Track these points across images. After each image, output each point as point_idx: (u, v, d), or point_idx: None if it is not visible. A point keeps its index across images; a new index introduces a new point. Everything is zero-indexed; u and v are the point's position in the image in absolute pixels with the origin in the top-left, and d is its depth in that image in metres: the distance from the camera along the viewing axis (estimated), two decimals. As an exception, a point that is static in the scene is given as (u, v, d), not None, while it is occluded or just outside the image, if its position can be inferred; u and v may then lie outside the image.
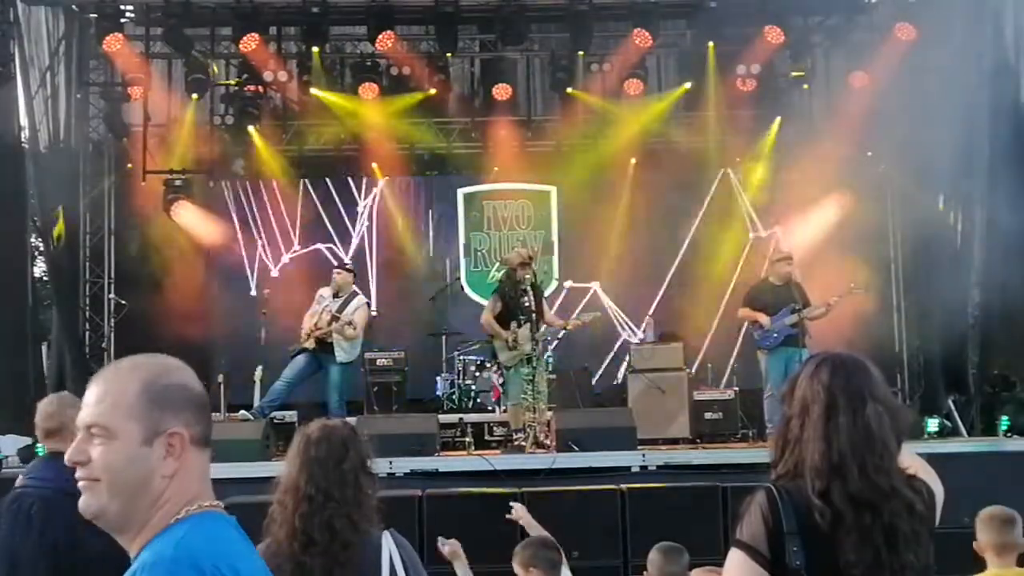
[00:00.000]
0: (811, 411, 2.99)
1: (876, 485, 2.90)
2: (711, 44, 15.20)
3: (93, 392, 2.41)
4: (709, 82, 15.30)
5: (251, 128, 15.21)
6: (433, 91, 15.17)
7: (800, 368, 3.14)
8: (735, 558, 2.96)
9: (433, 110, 15.99)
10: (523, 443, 11.21)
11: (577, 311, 14.11)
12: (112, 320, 15.47)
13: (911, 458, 3.08)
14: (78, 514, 4.35)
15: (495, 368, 12.94)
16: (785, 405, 3.09)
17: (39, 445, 10.93)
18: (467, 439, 12.14)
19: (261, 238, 15.94)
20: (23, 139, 14.06)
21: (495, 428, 13.26)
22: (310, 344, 11.97)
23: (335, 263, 14.02)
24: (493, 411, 13.49)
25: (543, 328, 11.76)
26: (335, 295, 12.14)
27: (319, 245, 15.92)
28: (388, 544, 3.57)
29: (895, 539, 2.89)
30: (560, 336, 13.72)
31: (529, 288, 11.74)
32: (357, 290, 12.36)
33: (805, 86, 15.44)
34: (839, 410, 2.96)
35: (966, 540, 6.80)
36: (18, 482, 4.63)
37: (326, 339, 11.90)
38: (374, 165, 16.03)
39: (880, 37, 14.36)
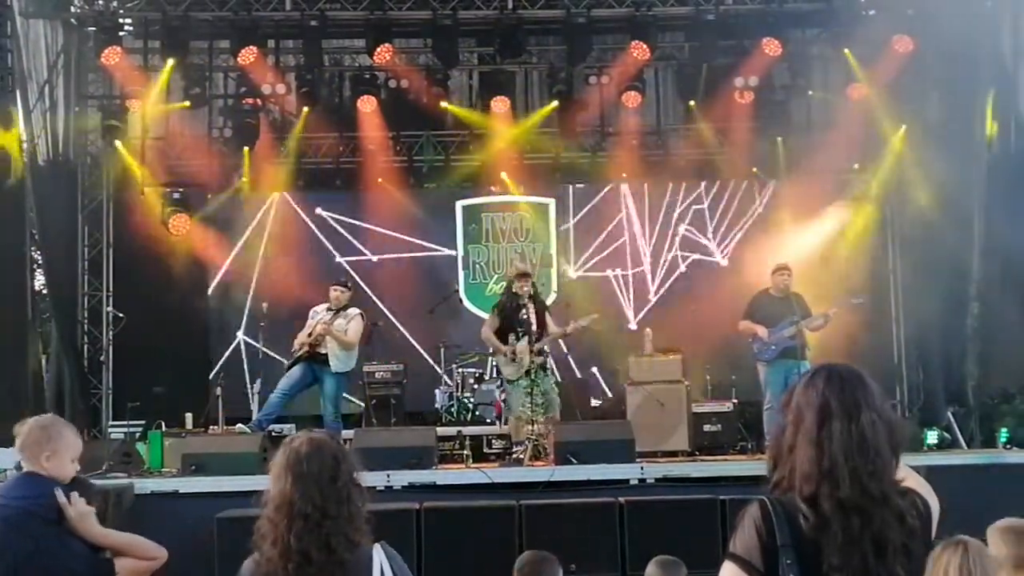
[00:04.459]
0: (804, 418, 2.99)
1: (868, 491, 2.89)
2: (705, 65, 15.27)
3: None
4: (709, 97, 15.34)
5: (249, 141, 15.24)
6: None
7: (798, 379, 3.14)
8: (728, 571, 2.95)
9: (432, 122, 16.03)
10: (521, 456, 11.20)
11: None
12: (110, 333, 15.43)
13: (906, 472, 3.07)
14: (40, 533, 4.40)
15: (498, 382, 12.96)
16: (782, 416, 3.09)
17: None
18: (465, 452, 12.12)
19: (259, 251, 15.92)
20: (23, 152, 14.05)
21: (493, 441, 13.24)
22: (303, 352, 11.94)
23: (336, 276, 13.95)
24: (493, 424, 13.47)
25: (544, 339, 11.80)
26: (329, 309, 12.13)
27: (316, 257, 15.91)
28: (379, 557, 3.53)
29: (884, 548, 2.87)
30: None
31: (528, 301, 11.79)
32: (350, 304, 12.32)
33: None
34: (833, 416, 2.95)
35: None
36: None
37: (319, 350, 11.89)
38: (379, 180, 16.04)
39: (878, 49, 14.36)
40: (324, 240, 15.97)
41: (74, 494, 4.49)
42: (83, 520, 4.48)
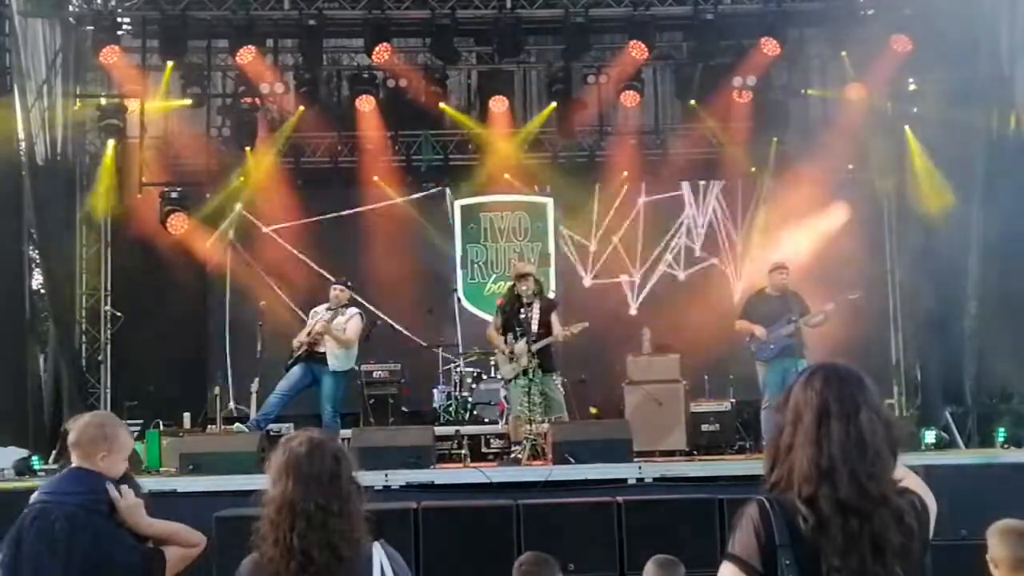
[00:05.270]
0: (803, 418, 2.97)
1: (866, 491, 2.88)
2: (700, 65, 15.31)
3: None
4: (707, 97, 15.36)
5: (248, 140, 15.25)
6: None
7: (794, 378, 3.12)
8: (727, 571, 2.95)
9: (430, 122, 16.03)
10: (520, 455, 11.20)
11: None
12: (108, 332, 15.43)
13: (904, 472, 3.07)
14: (103, 531, 4.51)
15: (503, 382, 12.94)
16: (780, 414, 3.08)
17: (35, 457, 11.01)
18: (463, 451, 12.10)
19: (258, 250, 15.92)
20: (20, 151, 14.05)
21: (492, 440, 13.24)
22: (302, 352, 11.93)
23: (332, 278, 13.89)
24: (496, 423, 13.44)
25: (541, 340, 11.76)
26: (329, 309, 12.12)
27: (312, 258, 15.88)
28: (379, 555, 3.54)
29: (883, 548, 2.87)
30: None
31: (535, 299, 11.79)
32: (351, 303, 12.31)
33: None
34: (832, 416, 2.94)
35: (963, 552, 6.78)
36: (36, 497, 4.67)
37: (318, 349, 11.88)
38: (374, 178, 16.04)
39: (877, 49, 14.37)
40: (324, 238, 15.94)
41: (124, 487, 4.62)
42: (133, 512, 4.61)
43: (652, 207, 16.29)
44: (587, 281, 16.23)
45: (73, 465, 4.70)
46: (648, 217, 16.28)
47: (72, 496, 4.56)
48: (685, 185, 16.32)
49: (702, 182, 16.30)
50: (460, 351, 15.01)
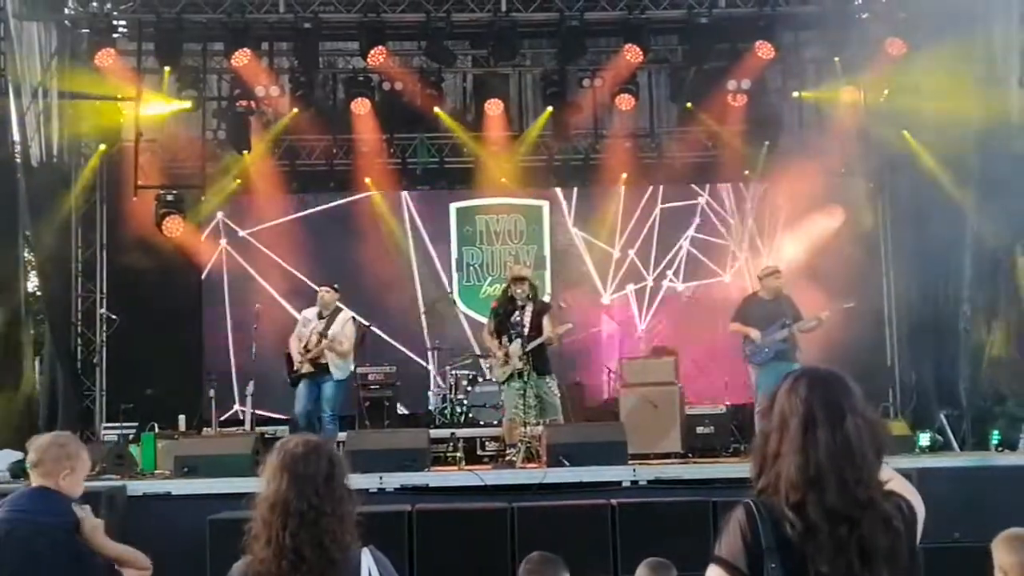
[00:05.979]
0: (789, 425, 2.97)
1: (854, 497, 2.88)
2: (693, 68, 15.34)
3: None
4: (702, 100, 15.38)
5: (243, 143, 15.26)
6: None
7: (779, 383, 3.10)
8: (714, 574, 2.96)
9: (426, 124, 16.04)
10: (514, 458, 11.19)
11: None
12: (104, 335, 15.43)
13: (890, 473, 3.07)
14: (83, 552, 4.58)
15: (498, 385, 12.94)
16: (765, 420, 3.07)
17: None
18: (458, 454, 12.08)
19: (252, 252, 15.91)
20: (15, 154, 14.04)
21: (486, 443, 13.25)
22: (306, 369, 11.90)
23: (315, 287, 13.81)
24: (499, 425, 13.43)
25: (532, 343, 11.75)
26: (319, 315, 12.08)
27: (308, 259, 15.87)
28: (367, 561, 3.56)
29: (870, 553, 2.87)
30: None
31: (526, 304, 11.78)
32: (341, 306, 12.28)
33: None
34: (818, 423, 2.94)
35: (957, 555, 6.80)
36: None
37: (319, 360, 11.87)
38: (367, 179, 16.05)
39: (871, 52, 14.39)
40: (318, 240, 15.94)
41: (86, 507, 4.66)
42: (95, 533, 4.68)
43: (647, 209, 16.28)
44: (606, 299, 16.23)
45: (34, 484, 4.72)
46: (641, 221, 16.27)
47: (44, 516, 4.60)
48: (681, 187, 16.31)
49: (695, 186, 16.29)
50: (434, 352, 15.03)
